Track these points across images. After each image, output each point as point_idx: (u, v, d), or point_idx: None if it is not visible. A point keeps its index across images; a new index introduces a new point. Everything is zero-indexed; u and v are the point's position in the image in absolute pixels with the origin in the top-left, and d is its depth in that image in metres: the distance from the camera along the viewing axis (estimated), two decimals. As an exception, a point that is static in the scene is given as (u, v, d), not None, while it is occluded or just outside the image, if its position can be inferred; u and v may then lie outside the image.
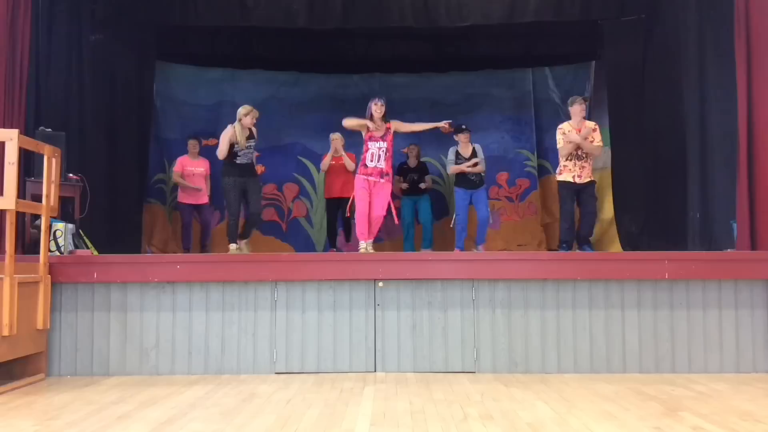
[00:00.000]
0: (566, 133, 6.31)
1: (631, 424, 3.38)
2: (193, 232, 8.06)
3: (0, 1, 5.61)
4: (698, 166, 6.71)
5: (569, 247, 6.44)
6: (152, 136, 8.99)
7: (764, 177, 5.50)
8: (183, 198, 7.94)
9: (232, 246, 6.41)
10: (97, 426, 3.43)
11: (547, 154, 9.33)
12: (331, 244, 7.92)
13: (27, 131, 5.63)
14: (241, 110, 6.36)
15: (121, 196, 8.06)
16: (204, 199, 7.96)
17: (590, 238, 6.26)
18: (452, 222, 7.37)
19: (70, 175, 6.17)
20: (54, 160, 4.82)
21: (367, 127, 6.07)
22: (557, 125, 9.34)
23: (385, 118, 6.13)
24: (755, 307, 4.94)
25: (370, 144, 6.09)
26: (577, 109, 6.38)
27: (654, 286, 4.95)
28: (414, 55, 9.59)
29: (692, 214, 6.79)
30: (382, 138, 6.08)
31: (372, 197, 6.07)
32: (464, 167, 7.28)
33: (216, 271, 5.00)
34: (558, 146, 6.42)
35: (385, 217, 6.16)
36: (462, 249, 7.22)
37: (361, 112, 9.46)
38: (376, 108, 6.09)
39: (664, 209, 7.10)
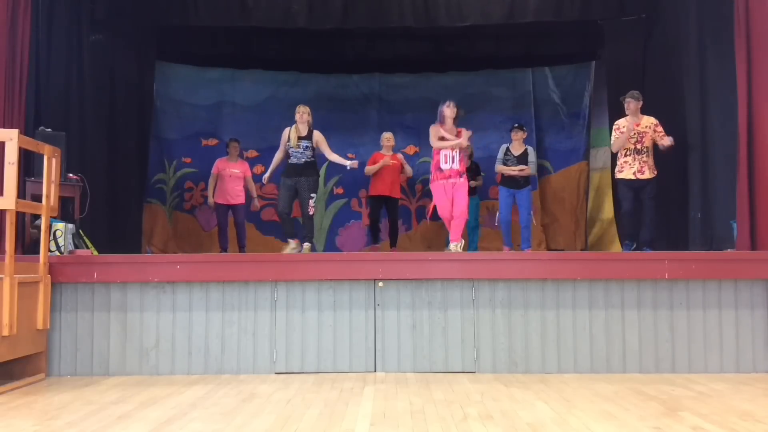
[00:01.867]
0: (620, 128, 6.22)
1: (631, 424, 3.38)
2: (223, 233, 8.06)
3: (0, 1, 5.60)
4: (698, 166, 6.71)
5: (633, 242, 6.35)
6: (152, 136, 9.00)
7: (764, 177, 5.50)
8: (218, 198, 7.96)
9: (290, 242, 6.25)
10: (97, 426, 3.43)
11: (547, 154, 9.33)
12: (373, 240, 7.92)
13: (27, 131, 5.64)
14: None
15: (121, 196, 8.07)
16: (239, 199, 7.97)
17: (651, 242, 6.18)
18: (496, 220, 7.35)
19: (70, 175, 6.17)
20: (54, 160, 4.82)
21: (439, 131, 6.03)
22: (557, 125, 9.47)
23: (456, 121, 6.05)
24: (755, 307, 4.94)
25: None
26: (630, 105, 6.24)
27: (654, 286, 4.95)
28: (414, 55, 9.58)
29: (693, 214, 6.78)
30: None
31: (453, 198, 5.99)
32: (511, 171, 7.18)
33: (216, 271, 4.99)
34: (611, 142, 6.32)
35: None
36: (510, 246, 7.16)
37: (361, 112, 9.57)
38: (448, 110, 6.03)
39: (664, 209, 7.10)
